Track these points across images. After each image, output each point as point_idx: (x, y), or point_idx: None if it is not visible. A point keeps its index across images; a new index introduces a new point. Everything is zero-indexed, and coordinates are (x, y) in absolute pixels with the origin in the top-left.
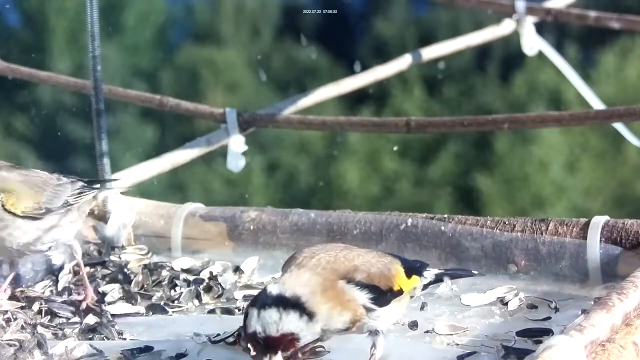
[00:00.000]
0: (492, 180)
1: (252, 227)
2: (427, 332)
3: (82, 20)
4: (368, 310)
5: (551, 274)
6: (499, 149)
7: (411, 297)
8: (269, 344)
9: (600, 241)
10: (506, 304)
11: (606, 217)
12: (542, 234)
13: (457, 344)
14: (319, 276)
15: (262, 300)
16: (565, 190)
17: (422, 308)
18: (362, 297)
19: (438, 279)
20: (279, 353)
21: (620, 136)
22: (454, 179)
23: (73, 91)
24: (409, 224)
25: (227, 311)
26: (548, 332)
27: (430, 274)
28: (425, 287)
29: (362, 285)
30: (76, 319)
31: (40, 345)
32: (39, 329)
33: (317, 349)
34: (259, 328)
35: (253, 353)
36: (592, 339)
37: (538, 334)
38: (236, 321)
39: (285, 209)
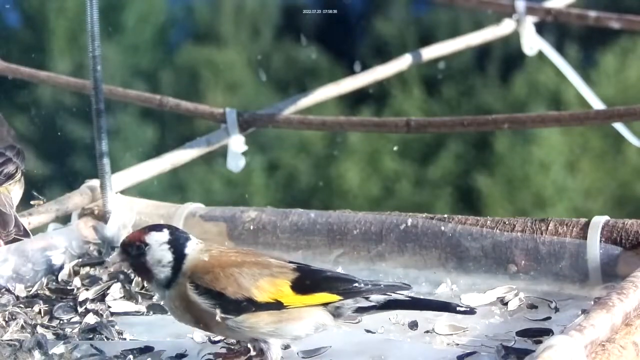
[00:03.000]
0: (493, 180)
1: (252, 227)
2: (427, 332)
3: (82, 20)
4: (216, 316)
5: (551, 274)
6: (499, 149)
7: (334, 316)
8: (136, 265)
9: (600, 241)
10: (506, 304)
11: (606, 217)
12: (542, 234)
13: (457, 344)
14: (192, 264)
15: (178, 241)
16: (566, 191)
17: None
18: (199, 300)
19: (383, 306)
20: (135, 275)
21: (620, 137)
22: (454, 179)
23: (73, 91)
24: (409, 224)
25: None
26: (548, 332)
27: (376, 298)
28: (362, 310)
29: (200, 289)
30: (76, 319)
31: (40, 345)
32: (39, 329)
33: None
34: (150, 248)
35: (120, 253)
36: (592, 339)
37: (538, 334)
38: None
39: (285, 209)
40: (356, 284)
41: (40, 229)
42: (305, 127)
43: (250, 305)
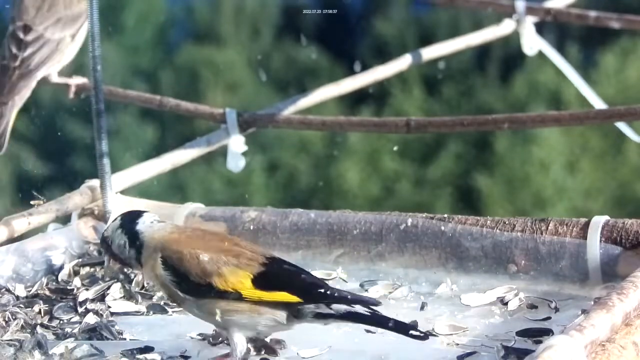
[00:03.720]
0: (493, 180)
1: (252, 227)
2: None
3: None
4: (178, 294)
5: (551, 274)
6: (499, 149)
7: (294, 316)
8: (115, 258)
9: (600, 241)
10: (506, 304)
11: (606, 217)
12: (542, 233)
13: (457, 344)
14: (163, 240)
15: (128, 223)
16: (566, 191)
17: (422, 308)
18: (163, 275)
19: (342, 317)
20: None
21: (620, 137)
22: (454, 179)
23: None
24: (409, 224)
25: None
26: (548, 332)
27: (337, 308)
28: (321, 316)
29: (168, 265)
30: (76, 318)
31: (40, 345)
32: (39, 329)
33: (277, 347)
34: (109, 238)
35: (106, 255)
36: (592, 339)
37: (538, 334)
38: None
39: (285, 209)
40: (321, 290)
41: (40, 229)
42: (305, 127)
43: (210, 290)
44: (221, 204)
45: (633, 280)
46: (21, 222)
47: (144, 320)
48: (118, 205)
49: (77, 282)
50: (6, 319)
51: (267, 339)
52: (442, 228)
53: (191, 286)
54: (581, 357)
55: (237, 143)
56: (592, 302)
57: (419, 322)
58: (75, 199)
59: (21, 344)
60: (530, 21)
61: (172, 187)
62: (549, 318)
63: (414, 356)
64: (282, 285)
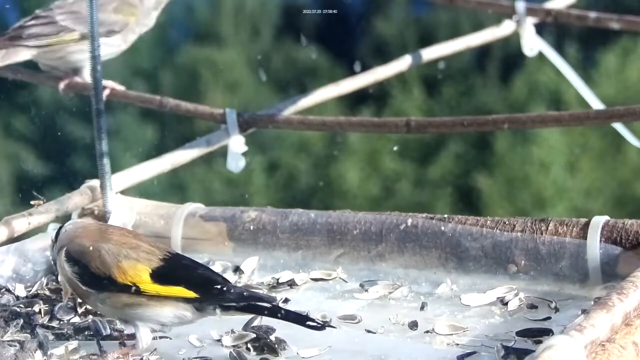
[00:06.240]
0: (493, 180)
1: (252, 227)
2: (427, 332)
3: None
4: (81, 287)
5: (551, 274)
6: (499, 149)
7: (197, 310)
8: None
9: (600, 241)
10: (506, 304)
11: (606, 217)
12: (542, 234)
13: (457, 344)
14: (69, 235)
15: (60, 227)
16: (566, 191)
17: (422, 308)
18: (68, 270)
19: (243, 308)
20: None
21: (620, 137)
22: (454, 179)
23: (73, 91)
24: (409, 224)
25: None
26: (548, 332)
27: (236, 302)
28: (223, 308)
29: (70, 259)
30: (76, 319)
31: (40, 345)
32: (39, 329)
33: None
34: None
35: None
36: (592, 339)
37: (538, 334)
38: (236, 321)
39: (285, 209)
40: (218, 286)
41: (40, 229)
42: (305, 128)
43: (110, 284)
44: (221, 204)
45: (633, 280)
46: (21, 222)
47: None
48: (118, 205)
49: None
50: (6, 319)
51: (272, 337)
52: (442, 228)
53: (92, 279)
54: (581, 357)
55: (237, 143)
56: (592, 302)
57: (419, 322)
58: (75, 199)
59: (22, 345)
60: (530, 22)
61: (172, 187)
62: (549, 318)
63: (414, 356)
64: (179, 280)
